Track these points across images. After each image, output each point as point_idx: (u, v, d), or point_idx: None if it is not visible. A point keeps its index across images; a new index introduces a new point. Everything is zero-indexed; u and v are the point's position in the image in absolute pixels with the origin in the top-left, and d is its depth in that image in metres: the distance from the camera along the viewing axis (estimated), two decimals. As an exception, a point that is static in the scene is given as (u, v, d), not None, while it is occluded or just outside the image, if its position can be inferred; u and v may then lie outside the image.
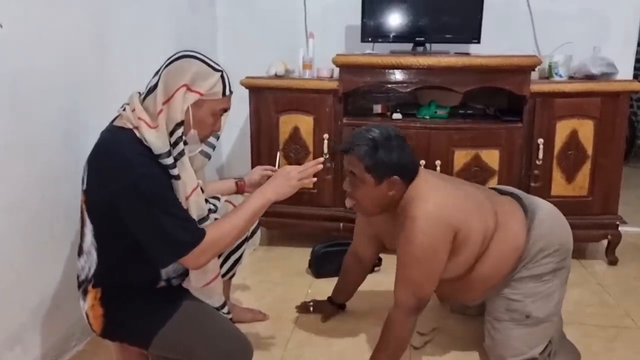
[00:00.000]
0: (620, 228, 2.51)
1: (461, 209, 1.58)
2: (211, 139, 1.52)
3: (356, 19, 2.71)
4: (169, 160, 1.31)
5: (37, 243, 1.59)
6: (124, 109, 1.35)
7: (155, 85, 1.32)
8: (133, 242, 1.30)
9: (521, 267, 1.64)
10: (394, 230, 1.62)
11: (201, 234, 1.31)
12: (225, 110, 1.41)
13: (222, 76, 1.36)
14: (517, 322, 1.65)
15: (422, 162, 2.42)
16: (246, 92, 2.56)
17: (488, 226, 1.62)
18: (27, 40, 1.50)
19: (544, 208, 1.71)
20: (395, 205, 1.61)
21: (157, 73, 1.35)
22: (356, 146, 1.56)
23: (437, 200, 1.56)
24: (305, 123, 2.55)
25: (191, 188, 1.35)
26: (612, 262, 2.54)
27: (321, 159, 1.50)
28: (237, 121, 3.06)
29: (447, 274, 1.61)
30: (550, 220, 1.68)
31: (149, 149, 1.29)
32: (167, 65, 1.34)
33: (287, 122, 2.56)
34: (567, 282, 1.71)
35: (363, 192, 1.59)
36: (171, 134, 1.31)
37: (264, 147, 2.60)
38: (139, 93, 1.38)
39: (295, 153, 2.57)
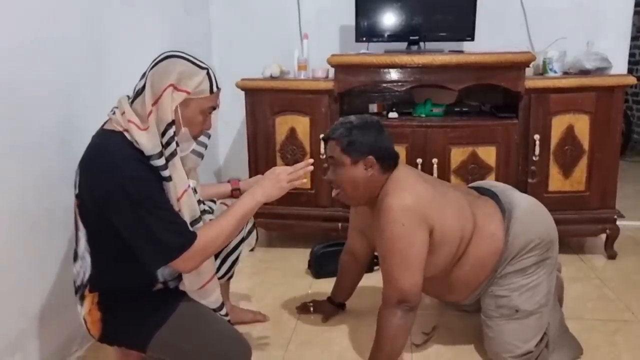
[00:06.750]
0: (618, 222, 2.51)
1: (438, 207, 1.59)
2: (203, 138, 1.52)
3: (350, 19, 2.71)
4: (160, 162, 1.30)
5: (36, 248, 1.58)
6: (114, 113, 1.36)
7: (143, 88, 1.32)
8: (125, 246, 1.30)
9: (504, 265, 1.66)
10: (374, 224, 1.63)
11: (191, 237, 1.31)
12: (214, 108, 1.41)
13: (208, 74, 1.36)
14: (508, 317, 1.65)
15: (419, 160, 2.43)
16: (242, 93, 2.56)
17: (465, 229, 1.64)
18: (22, 46, 1.50)
19: (520, 205, 1.71)
20: (376, 197, 1.63)
21: (143, 75, 1.35)
22: (334, 131, 1.63)
23: (414, 193, 1.58)
24: (301, 124, 2.55)
25: (182, 189, 1.35)
26: (611, 256, 2.55)
27: (311, 160, 1.51)
28: (233, 123, 3.06)
29: (425, 272, 1.60)
30: (527, 216, 1.68)
31: (140, 152, 1.29)
32: (152, 67, 1.34)
33: (284, 123, 2.56)
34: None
35: (342, 175, 1.62)
36: (163, 134, 1.31)
37: (260, 148, 2.60)
38: (128, 96, 1.38)
39: (292, 154, 2.57)
